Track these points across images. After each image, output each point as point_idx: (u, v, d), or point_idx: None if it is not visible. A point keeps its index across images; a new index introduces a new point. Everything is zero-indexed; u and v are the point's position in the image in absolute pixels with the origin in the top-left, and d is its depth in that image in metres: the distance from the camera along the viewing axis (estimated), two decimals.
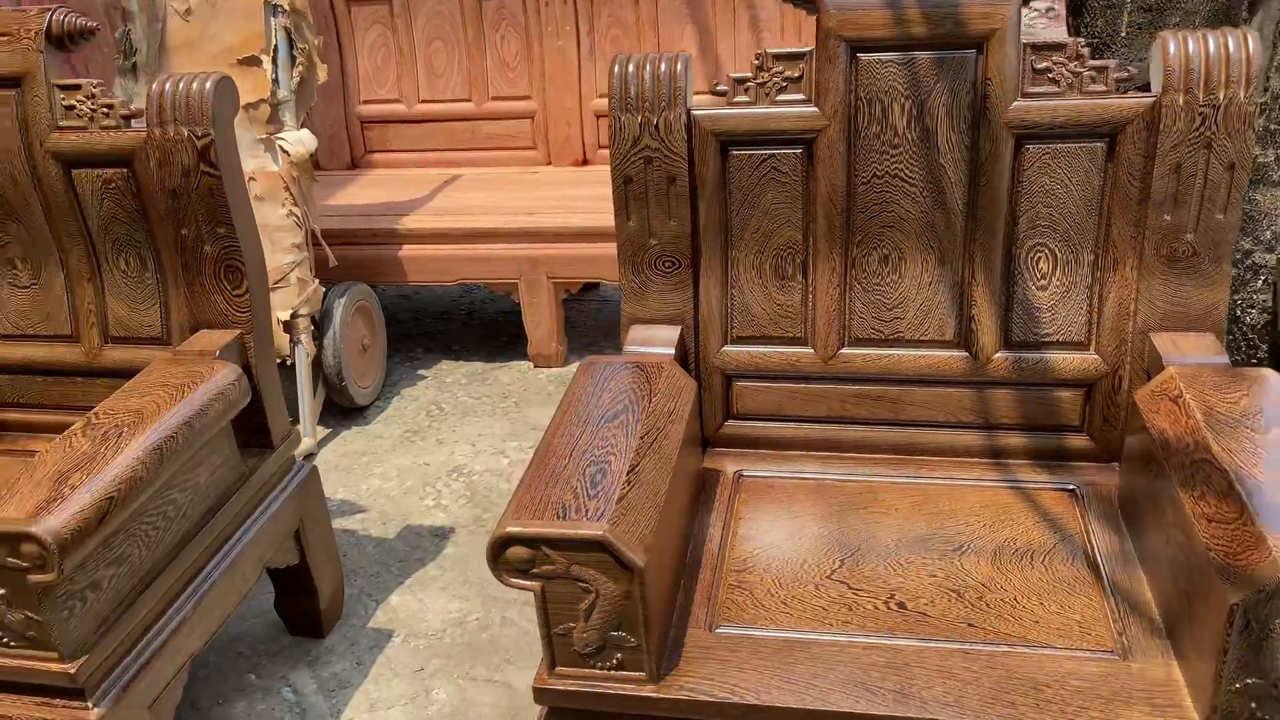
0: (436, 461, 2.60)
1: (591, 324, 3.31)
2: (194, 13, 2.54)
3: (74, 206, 1.78)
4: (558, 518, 1.21)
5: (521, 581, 1.23)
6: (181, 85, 1.67)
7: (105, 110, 1.71)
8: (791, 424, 1.69)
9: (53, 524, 1.31)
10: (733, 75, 1.57)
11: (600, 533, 1.19)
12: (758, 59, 1.56)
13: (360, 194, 3.21)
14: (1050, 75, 1.48)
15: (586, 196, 3.05)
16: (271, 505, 1.82)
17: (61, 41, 1.74)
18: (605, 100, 3.26)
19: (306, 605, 2.00)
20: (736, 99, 1.56)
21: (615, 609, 1.22)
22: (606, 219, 2.88)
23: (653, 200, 1.60)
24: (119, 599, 1.48)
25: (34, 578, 1.32)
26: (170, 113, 1.67)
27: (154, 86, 1.68)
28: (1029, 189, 1.53)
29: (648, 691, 1.25)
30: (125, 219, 1.77)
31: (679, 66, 1.56)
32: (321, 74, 2.62)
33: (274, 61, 2.50)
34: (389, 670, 1.94)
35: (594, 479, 1.28)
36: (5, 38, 1.72)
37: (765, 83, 1.55)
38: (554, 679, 1.28)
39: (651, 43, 3.18)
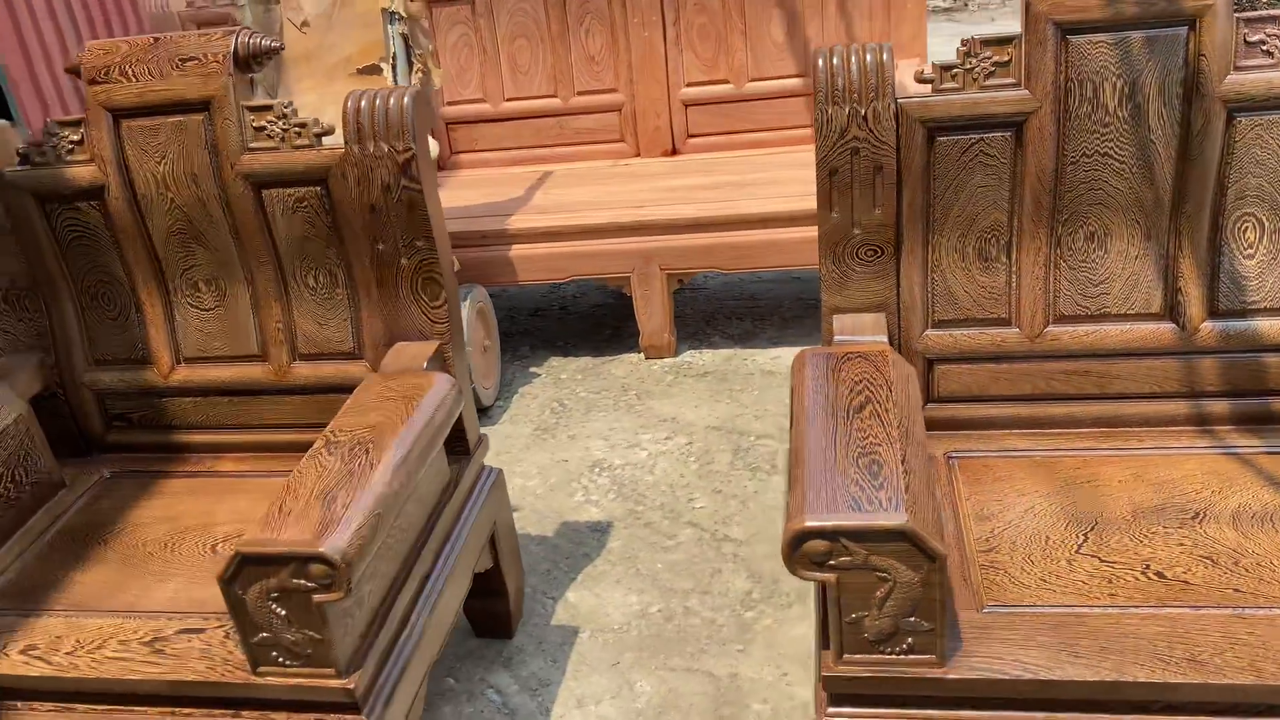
0: (574, 458, 2.62)
1: (690, 313, 3.32)
2: (311, 24, 2.54)
3: (263, 227, 1.79)
4: (853, 510, 1.24)
5: (816, 574, 1.26)
6: (379, 101, 1.68)
7: (298, 130, 1.72)
8: (996, 404, 1.72)
9: (339, 544, 1.33)
10: (938, 62, 1.59)
11: (903, 523, 1.21)
12: (964, 45, 1.58)
13: (456, 196, 3.22)
14: (1264, 47, 1.51)
15: (686, 186, 3.06)
16: (473, 510, 1.85)
17: (247, 63, 1.75)
18: (694, 89, 3.28)
19: (496, 607, 2.03)
20: (944, 86, 1.59)
21: (912, 596, 1.24)
22: (717, 209, 2.95)
23: (857, 191, 1.62)
24: (374, 612, 1.51)
25: (319, 597, 1.35)
26: (369, 129, 1.68)
27: (349, 104, 1.69)
28: (1239, 160, 1.56)
29: (939, 673, 1.29)
30: (316, 237, 1.78)
31: (884, 56, 1.58)
32: (437, 79, 2.63)
33: (393, 69, 2.51)
34: (585, 666, 1.97)
35: (871, 471, 1.31)
36: (192, 62, 1.73)
37: (973, 68, 1.57)
38: (842, 666, 1.31)
39: (739, 30, 3.19)
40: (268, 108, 1.73)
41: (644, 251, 2.92)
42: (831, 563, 1.25)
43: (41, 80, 4.04)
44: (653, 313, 2.99)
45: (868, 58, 1.58)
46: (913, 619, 1.26)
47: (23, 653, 1.52)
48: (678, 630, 2.03)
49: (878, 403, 1.45)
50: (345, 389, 1.86)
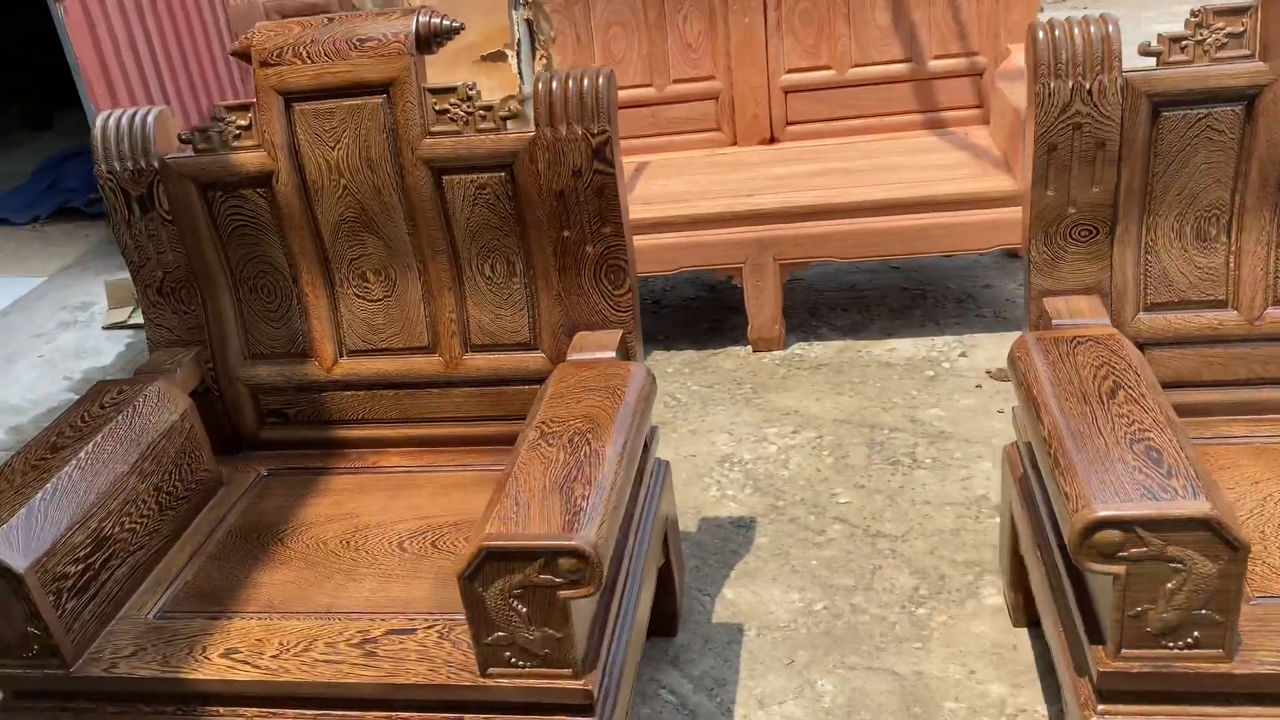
0: (700, 452, 2.56)
1: (792, 305, 3.26)
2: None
3: (440, 214, 1.73)
4: (1149, 499, 1.19)
5: (1106, 566, 1.20)
6: (572, 83, 1.62)
7: (483, 113, 1.66)
8: (1209, 389, 1.67)
9: (590, 536, 1.27)
10: (1166, 34, 1.53)
11: (1206, 511, 1.16)
12: (1195, 15, 1.52)
13: None
14: None
15: (793, 174, 3.00)
16: (651, 504, 1.79)
17: (428, 44, 1.68)
18: (795, 75, 3.21)
19: (664, 604, 1.97)
20: (1172, 59, 1.53)
21: (1207, 587, 1.19)
22: (834, 195, 2.88)
23: (1076, 168, 1.57)
24: (593, 610, 1.45)
25: (567, 593, 1.29)
26: (562, 111, 1.62)
27: (540, 85, 1.63)
28: None
29: (1227, 668, 1.23)
30: (496, 224, 1.72)
31: (1110, 29, 1.52)
32: (558, 66, 2.56)
33: (518, 56, 2.45)
34: (759, 665, 1.91)
35: (1151, 457, 1.25)
36: (372, 43, 1.67)
37: (1205, 39, 1.52)
38: (1120, 661, 1.25)
39: (842, 14, 3.12)
40: (451, 90, 1.67)
41: (758, 241, 2.86)
42: (1123, 554, 1.19)
43: (111, 70, 3.97)
44: (764, 304, 2.93)
45: (1092, 30, 1.52)
46: (1204, 611, 1.20)
47: (224, 656, 1.46)
48: (848, 628, 1.97)
49: (1129, 387, 1.39)
50: (518, 381, 1.80)
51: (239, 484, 1.86)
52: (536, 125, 1.63)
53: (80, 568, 1.51)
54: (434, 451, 1.87)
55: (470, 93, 1.67)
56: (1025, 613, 1.87)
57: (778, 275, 2.90)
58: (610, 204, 1.66)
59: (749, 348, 3.02)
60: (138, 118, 1.77)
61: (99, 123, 1.78)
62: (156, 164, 1.76)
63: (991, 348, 2.84)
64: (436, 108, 1.68)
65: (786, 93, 3.23)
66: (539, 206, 1.69)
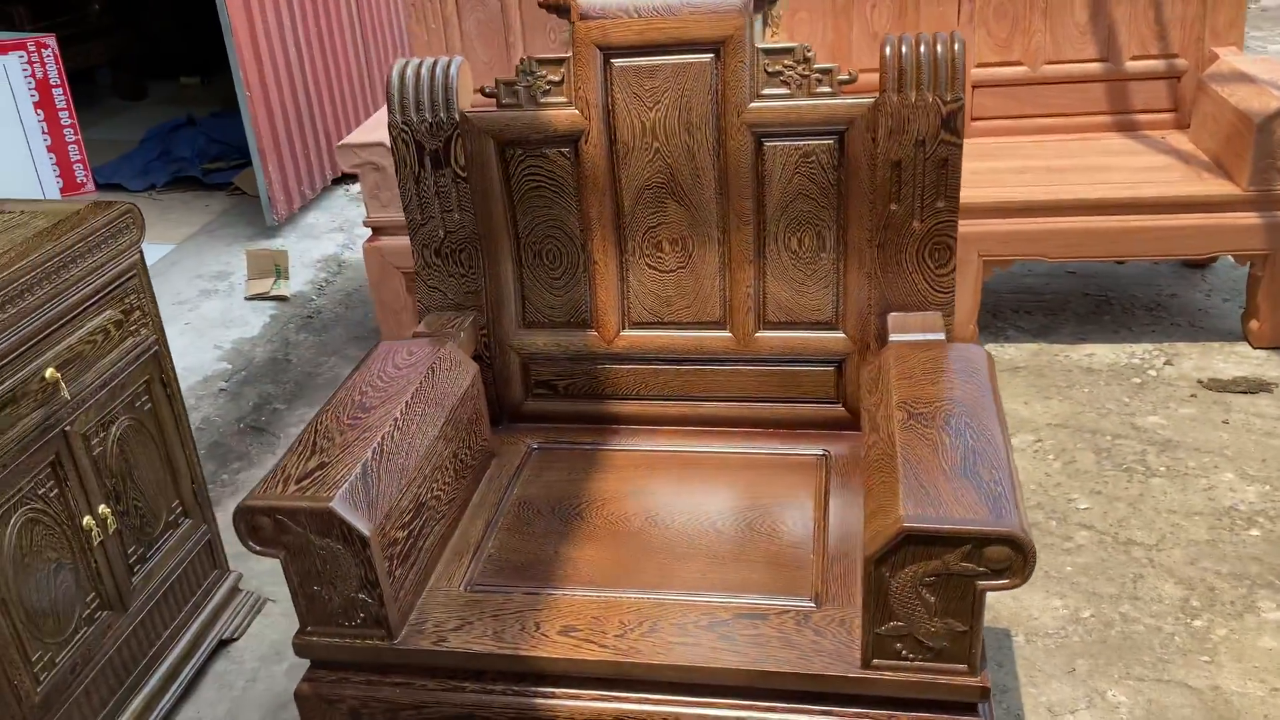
0: None
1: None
2: None
3: (755, 182, 1.65)
4: None
5: None
6: (924, 47, 1.54)
7: (819, 76, 1.59)
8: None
9: (1020, 523, 1.19)
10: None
11: None
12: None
13: None
14: None
15: (988, 170, 2.91)
16: None
17: (762, 1, 1.61)
18: (985, 70, 3.11)
19: None
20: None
21: None
22: (1047, 193, 2.79)
23: None
24: None
25: (987, 584, 1.20)
26: (912, 76, 1.54)
27: (887, 48, 1.55)
28: None
29: None
30: (814, 194, 1.64)
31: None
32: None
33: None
34: (1038, 672, 1.83)
35: None
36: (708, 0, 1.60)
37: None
38: None
39: (1040, 9, 3.03)
40: (787, 50, 1.59)
41: (962, 237, 2.77)
42: None
43: (258, 38, 3.91)
44: (961, 302, 2.84)
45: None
46: None
47: (564, 634, 1.38)
48: (1123, 637, 1.89)
49: None
50: (814, 361, 1.72)
51: (509, 456, 1.78)
52: (882, 91, 1.56)
53: (405, 533, 1.44)
54: (714, 432, 1.79)
55: (808, 54, 1.59)
56: None
57: (979, 273, 2.81)
58: (952, 177, 1.57)
59: None
60: (439, 67, 1.69)
61: (395, 71, 1.70)
62: (457, 117, 1.69)
63: (1197, 357, 2.75)
64: (769, 69, 1.61)
65: (974, 87, 3.15)
66: (867, 178, 1.61)
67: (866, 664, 1.28)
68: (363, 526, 1.32)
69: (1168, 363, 2.74)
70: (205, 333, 3.43)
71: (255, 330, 3.43)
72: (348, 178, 4.60)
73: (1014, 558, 1.18)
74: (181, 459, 2.00)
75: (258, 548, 1.39)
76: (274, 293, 3.59)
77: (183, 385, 3.12)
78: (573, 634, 1.38)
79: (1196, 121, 3.00)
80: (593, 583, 1.47)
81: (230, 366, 3.21)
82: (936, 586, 1.22)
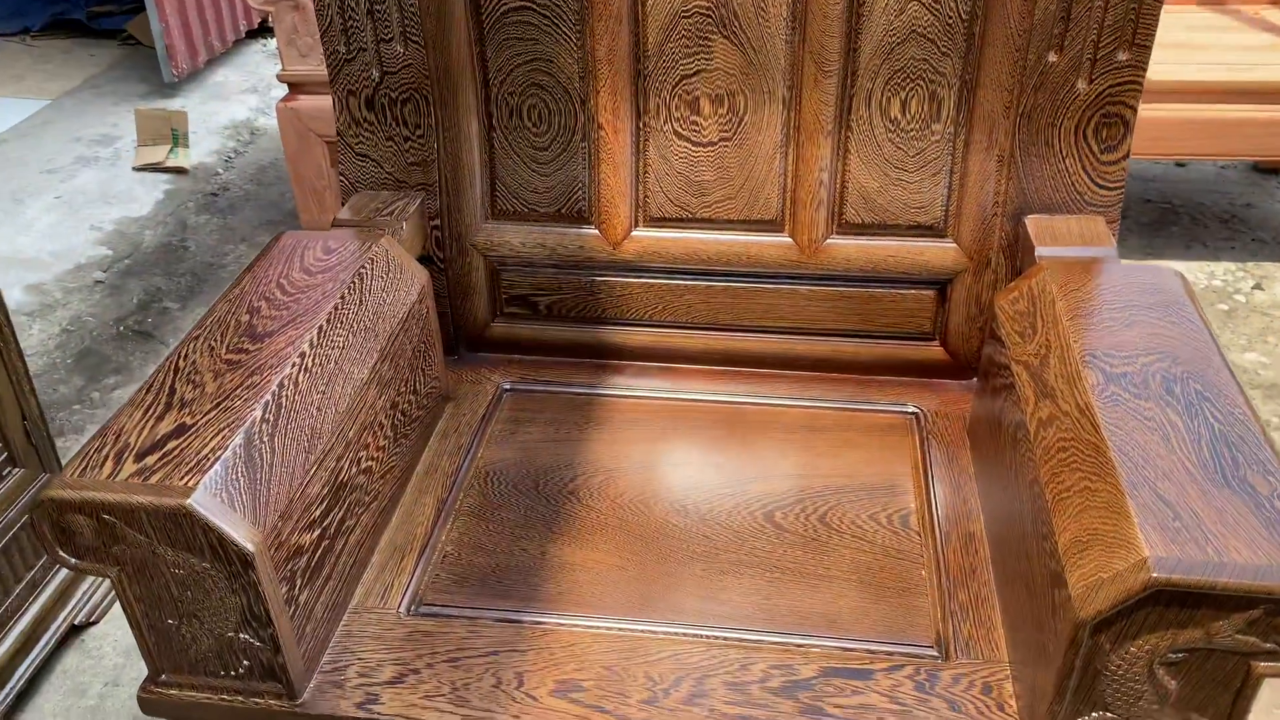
0: None
1: None
2: None
3: (848, 12, 1.12)
4: None
5: None
6: None
7: None
8: None
9: None
10: None
11: None
12: None
13: None
14: None
15: None
16: None
17: None
18: None
19: None
20: None
21: None
22: None
23: None
24: None
25: (1268, 665, 0.75)
26: None
27: None
28: None
29: None
30: (933, 33, 1.12)
31: None
32: None
33: None
34: None
35: None
36: None
37: None
38: None
39: None
40: None
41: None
42: None
43: None
44: None
45: None
46: None
47: (559, 694, 0.90)
48: None
49: None
50: (908, 281, 1.23)
51: (470, 402, 1.27)
52: None
53: (315, 535, 0.93)
54: (760, 376, 1.29)
55: None
56: None
57: None
58: (1146, 15, 1.07)
59: None
60: None
61: None
62: None
63: None
64: None
65: None
66: (1017, 11, 1.09)
67: None
68: (243, 536, 0.82)
69: (1257, 286, 2.30)
70: (80, 210, 2.80)
71: (145, 209, 2.80)
72: (265, 30, 3.90)
73: None
74: (7, 388, 1.45)
75: (73, 561, 0.88)
76: (169, 163, 2.95)
77: (48, 275, 2.53)
78: (574, 695, 0.90)
79: None
80: (598, 608, 0.99)
81: (110, 253, 2.60)
82: (1184, 667, 0.76)
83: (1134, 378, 0.90)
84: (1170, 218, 2.58)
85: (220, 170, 3.00)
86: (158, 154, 2.97)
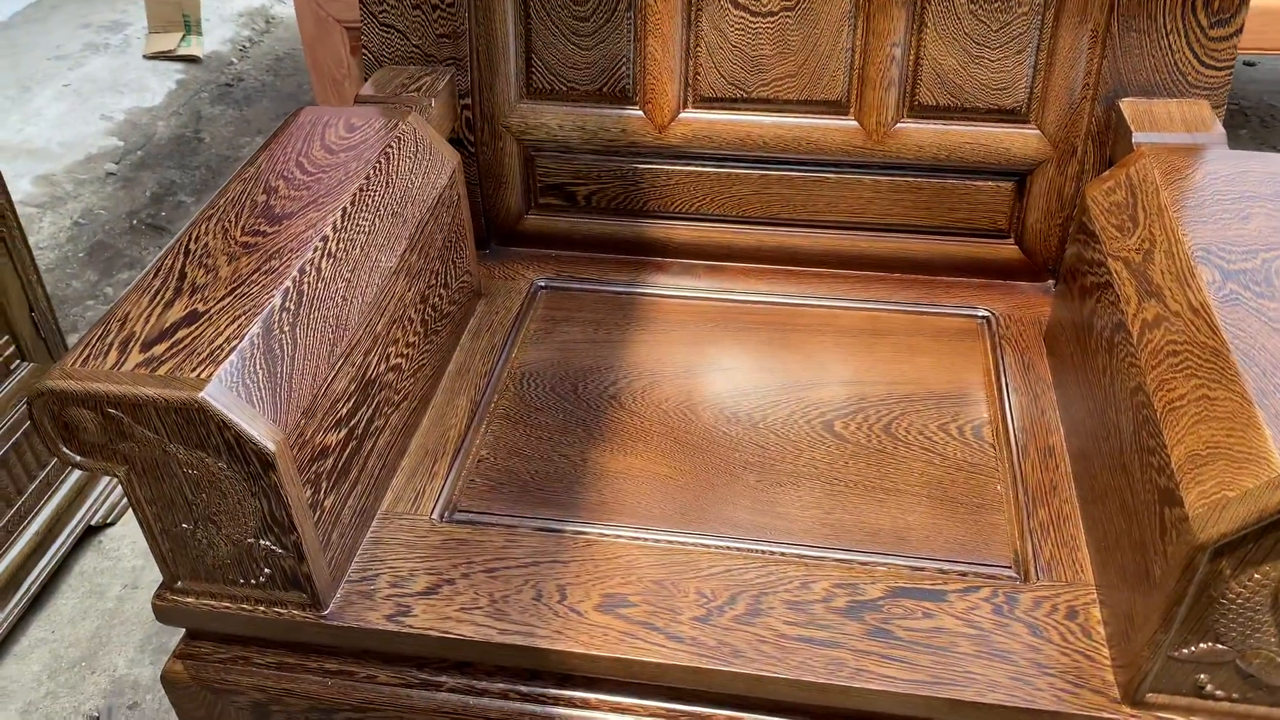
0: None
1: None
2: None
3: None
4: None
5: None
6: None
7: None
8: None
9: None
10: None
11: None
12: None
13: None
14: None
15: None
16: None
17: None
18: None
19: None
20: None
21: None
22: None
23: None
24: None
25: None
26: None
27: None
28: None
29: None
30: None
31: None
32: None
33: None
34: None
35: None
36: None
37: None
38: None
39: None
40: None
41: None
42: None
43: None
44: None
45: None
46: None
47: (605, 610, 0.83)
48: None
49: None
50: (985, 171, 1.12)
51: (503, 298, 1.18)
52: None
53: (342, 435, 0.86)
54: (819, 276, 1.19)
55: None
56: None
57: None
58: None
59: None
60: None
61: None
62: None
63: None
64: None
65: None
66: None
67: (1136, 700, 0.76)
68: (262, 435, 0.74)
69: None
70: (90, 98, 2.69)
71: (157, 99, 2.69)
72: None
73: None
74: (14, 279, 1.37)
75: (77, 458, 0.81)
76: (181, 51, 2.83)
77: (57, 166, 2.43)
78: (621, 610, 0.84)
79: None
80: (646, 517, 0.92)
81: (122, 144, 2.50)
82: None
83: (1255, 274, 0.80)
84: (1238, 120, 2.43)
85: (234, 60, 2.87)
86: (169, 41, 2.84)
